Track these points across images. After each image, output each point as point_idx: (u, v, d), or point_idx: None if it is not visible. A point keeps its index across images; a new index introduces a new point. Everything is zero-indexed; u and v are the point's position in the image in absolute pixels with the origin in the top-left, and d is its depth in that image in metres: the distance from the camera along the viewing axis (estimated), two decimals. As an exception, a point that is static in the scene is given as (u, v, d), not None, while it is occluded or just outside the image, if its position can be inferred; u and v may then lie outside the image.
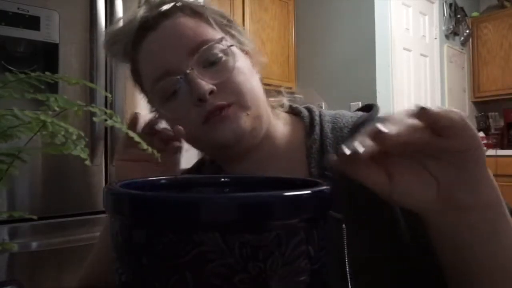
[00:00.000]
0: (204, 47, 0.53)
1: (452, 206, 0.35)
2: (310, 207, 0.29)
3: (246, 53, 0.60)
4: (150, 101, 0.62)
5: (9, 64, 1.21)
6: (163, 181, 0.41)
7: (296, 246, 0.28)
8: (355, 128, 0.56)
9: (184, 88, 0.53)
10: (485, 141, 3.59)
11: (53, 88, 1.20)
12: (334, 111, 0.63)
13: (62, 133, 0.36)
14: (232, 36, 0.59)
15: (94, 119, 0.40)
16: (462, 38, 3.81)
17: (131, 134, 0.39)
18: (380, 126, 0.31)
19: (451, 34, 3.65)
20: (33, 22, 1.22)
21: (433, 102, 3.37)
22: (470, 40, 3.91)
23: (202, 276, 0.26)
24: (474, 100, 3.98)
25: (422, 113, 0.32)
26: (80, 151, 0.36)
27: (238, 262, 0.26)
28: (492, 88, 3.82)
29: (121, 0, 1.36)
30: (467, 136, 0.33)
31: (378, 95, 2.70)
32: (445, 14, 3.56)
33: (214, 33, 0.56)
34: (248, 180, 0.44)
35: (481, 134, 3.78)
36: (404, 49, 3.02)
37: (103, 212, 1.30)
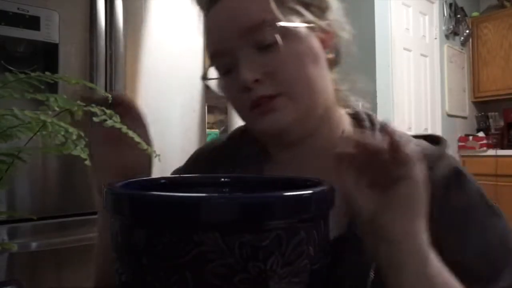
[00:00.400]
0: (262, 30, 0.48)
1: (372, 229, 0.37)
2: (310, 207, 0.29)
3: (321, 33, 0.52)
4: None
5: (9, 64, 1.21)
6: (163, 181, 0.41)
7: (296, 246, 0.28)
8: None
9: (234, 71, 0.50)
10: (485, 141, 3.59)
11: (53, 88, 1.20)
12: (398, 130, 0.58)
13: (62, 133, 0.36)
14: (311, 12, 0.51)
15: (94, 119, 0.40)
16: (462, 38, 3.81)
17: (132, 134, 0.39)
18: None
19: (451, 34, 3.65)
20: (33, 22, 1.22)
21: (433, 102, 3.37)
22: (470, 40, 3.91)
23: (202, 276, 0.26)
24: (474, 100, 3.98)
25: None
26: (80, 151, 0.36)
27: (238, 262, 0.26)
28: (492, 88, 3.82)
29: (121, 0, 1.36)
30: (411, 170, 0.35)
31: (378, 95, 2.70)
32: (445, 14, 3.56)
33: (277, 12, 0.49)
34: (248, 180, 0.44)
35: (481, 134, 3.78)
36: (404, 49, 3.02)
37: (103, 212, 1.30)
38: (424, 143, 0.54)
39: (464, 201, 0.48)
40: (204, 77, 0.56)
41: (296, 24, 0.49)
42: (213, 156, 0.63)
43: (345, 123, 0.57)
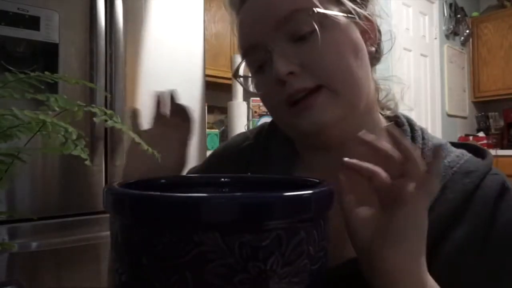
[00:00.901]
0: (295, 20, 0.45)
1: (370, 256, 0.36)
2: (310, 207, 0.29)
3: (361, 24, 0.48)
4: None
5: (9, 64, 1.21)
6: (163, 181, 0.41)
7: (296, 246, 0.28)
8: (462, 174, 0.47)
9: (269, 66, 0.47)
10: (485, 141, 3.59)
11: (53, 88, 1.20)
12: (436, 138, 0.54)
13: (62, 133, 0.36)
14: (351, 0, 0.48)
15: (94, 119, 0.40)
16: (462, 38, 3.81)
17: (132, 135, 0.39)
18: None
19: (451, 34, 3.65)
20: (33, 22, 1.22)
21: (433, 102, 3.37)
22: (470, 40, 3.92)
23: (202, 276, 0.26)
24: (474, 100, 3.98)
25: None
26: (80, 151, 0.36)
27: (238, 262, 0.26)
28: (492, 88, 3.82)
29: (121, 0, 1.36)
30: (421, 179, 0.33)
31: (378, 95, 2.70)
32: (445, 14, 3.56)
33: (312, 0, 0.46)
34: (248, 180, 0.44)
35: (481, 134, 3.78)
36: (404, 49, 3.02)
37: (103, 212, 1.30)
38: (465, 153, 0.50)
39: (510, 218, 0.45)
40: (236, 75, 0.53)
41: (334, 12, 0.46)
42: (243, 157, 0.60)
43: (381, 131, 0.52)
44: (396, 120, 0.54)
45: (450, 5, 3.62)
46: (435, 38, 3.43)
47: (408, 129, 0.53)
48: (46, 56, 1.28)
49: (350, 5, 0.47)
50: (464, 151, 0.51)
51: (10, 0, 1.19)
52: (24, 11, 1.21)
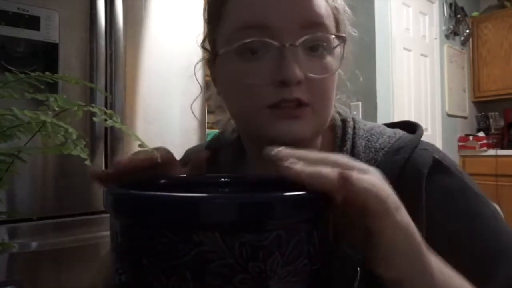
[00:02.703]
0: (317, 32, 0.45)
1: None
2: (310, 207, 0.29)
3: (343, 44, 0.49)
4: (219, 45, 0.50)
5: (9, 64, 1.21)
6: (163, 181, 0.41)
7: (296, 246, 0.28)
8: (393, 153, 0.48)
9: (271, 57, 0.44)
10: (485, 141, 3.59)
11: (53, 88, 1.20)
12: (371, 124, 0.55)
13: (62, 133, 0.36)
14: (343, 25, 0.50)
15: (94, 119, 0.40)
16: (462, 38, 3.81)
17: (132, 135, 0.39)
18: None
19: (451, 34, 3.65)
20: (33, 22, 1.22)
21: (433, 102, 3.37)
22: (470, 40, 3.92)
23: (202, 276, 0.26)
24: (474, 100, 3.98)
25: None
26: (80, 151, 0.36)
27: (238, 262, 0.26)
28: (492, 88, 3.83)
29: (121, 0, 1.36)
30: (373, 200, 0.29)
31: (378, 95, 2.70)
32: (445, 14, 3.56)
33: (330, 18, 0.47)
34: (249, 180, 0.44)
35: (481, 134, 3.78)
36: (404, 49, 3.02)
37: (103, 212, 1.30)
38: (398, 132, 0.52)
39: (447, 188, 0.47)
40: (203, 46, 0.50)
41: (336, 38, 0.47)
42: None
43: (324, 133, 0.54)
44: (333, 125, 0.55)
45: (450, 5, 3.62)
46: (435, 38, 3.43)
47: (339, 123, 0.54)
48: (46, 56, 1.28)
49: (343, 32, 0.50)
50: (398, 130, 0.52)
51: (10, 0, 1.19)
52: (24, 11, 1.21)
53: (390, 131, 0.53)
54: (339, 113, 0.56)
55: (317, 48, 0.46)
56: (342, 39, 0.47)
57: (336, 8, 0.48)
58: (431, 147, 0.51)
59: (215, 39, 0.51)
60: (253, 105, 0.46)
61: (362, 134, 0.52)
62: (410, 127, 0.54)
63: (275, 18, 0.44)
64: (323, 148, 0.53)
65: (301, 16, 0.44)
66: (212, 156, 0.56)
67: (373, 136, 0.52)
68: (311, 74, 0.45)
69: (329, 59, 0.47)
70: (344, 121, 0.55)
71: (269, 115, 0.45)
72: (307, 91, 0.45)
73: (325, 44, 0.46)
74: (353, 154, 0.50)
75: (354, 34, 0.54)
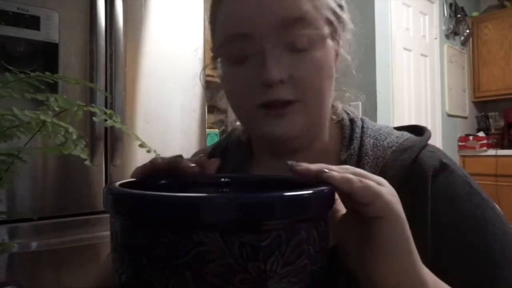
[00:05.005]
0: (296, 28, 0.45)
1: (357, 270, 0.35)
2: (310, 207, 0.29)
3: (337, 40, 0.50)
4: (214, 52, 0.53)
5: (9, 64, 1.21)
6: (163, 181, 0.41)
7: (296, 246, 0.28)
8: (400, 152, 0.49)
9: (256, 61, 0.46)
10: (485, 141, 3.59)
11: (53, 88, 1.20)
12: (379, 125, 0.56)
13: (62, 133, 0.36)
14: (338, 23, 0.50)
15: (94, 119, 0.40)
16: (462, 38, 3.81)
17: (132, 134, 0.39)
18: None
19: (451, 34, 3.65)
20: (33, 22, 1.22)
21: (433, 102, 3.37)
22: (470, 40, 3.91)
23: (202, 276, 0.26)
24: (474, 100, 3.98)
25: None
26: (80, 151, 0.36)
27: (238, 262, 0.26)
28: (492, 88, 3.82)
29: (121, 0, 1.36)
30: (380, 203, 0.32)
31: (378, 95, 2.70)
32: (445, 14, 3.56)
33: (315, 11, 0.46)
34: (248, 180, 0.44)
35: (482, 134, 3.78)
36: (404, 49, 3.02)
37: (103, 212, 1.30)
38: (405, 134, 0.53)
39: (452, 190, 0.47)
40: (214, 62, 0.52)
41: (324, 31, 0.47)
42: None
43: (331, 132, 0.55)
44: (341, 124, 0.56)
45: (450, 5, 3.62)
46: (435, 38, 3.43)
47: (348, 123, 0.55)
48: (46, 56, 1.28)
49: (337, 27, 0.50)
50: (405, 132, 0.53)
51: (10, 0, 1.19)
52: (24, 10, 1.21)
53: (398, 132, 0.53)
54: (347, 113, 0.57)
55: (299, 47, 0.46)
56: (320, 40, 0.47)
57: (320, 4, 0.47)
58: (438, 150, 0.51)
59: (214, 42, 0.53)
60: (246, 105, 0.49)
61: (370, 133, 0.53)
62: (417, 130, 0.54)
63: (253, 25, 0.45)
64: (331, 147, 0.54)
65: (278, 17, 0.45)
66: (221, 158, 0.57)
67: (381, 135, 0.52)
68: (294, 72, 0.45)
69: (317, 54, 0.46)
70: (352, 121, 0.55)
71: (260, 113, 0.47)
72: (294, 88, 0.46)
73: (305, 41, 0.46)
74: (361, 152, 0.51)
75: (354, 28, 0.54)
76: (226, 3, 0.48)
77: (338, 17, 0.50)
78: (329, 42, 0.48)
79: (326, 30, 0.48)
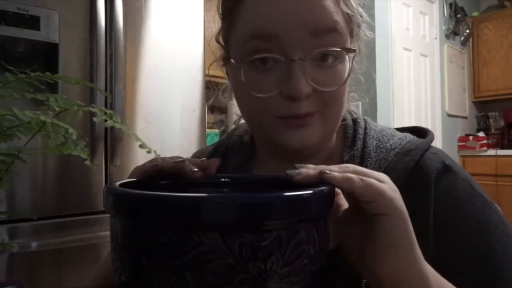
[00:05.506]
0: (328, 40, 0.43)
1: (359, 266, 0.35)
2: (310, 207, 0.29)
3: (355, 49, 0.49)
4: (232, 52, 0.50)
5: (9, 64, 1.21)
6: (163, 181, 0.41)
7: (296, 246, 0.28)
8: (403, 154, 0.49)
9: (280, 70, 0.44)
10: (485, 141, 3.59)
11: (53, 88, 1.20)
12: (382, 126, 0.55)
13: (62, 133, 0.36)
14: (358, 32, 0.50)
15: (94, 119, 0.40)
16: (462, 38, 3.81)
17: (132, 135, 0.39)
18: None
19: (451, 34, 3.65)
20: (33, 22, 1.22)
21: (433, 102, 3.37)
22: (470, 40, 3.91)
23: (202, 276, 0.26)
24: (474, 100, 3.98)
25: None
26: (80, 151, 0.36)
27: (238, 262, 0.26)
28: (493, 88, 3.82)
29: (121, 0, 1.36)
30: (382, 200, 0.32)
31: (378, 95, 2.70)
32: (445, 14, 3.56)
33: (344, 23, 0.45)
34: (248, 180, 0.44)
35: (481, 134, 3.78)
36: (404, 49, 3.02)
37: (103, 212, 1.30)
38: (408, 135, 0.53)
39: (455, 193, 0.47)
40: (218, 41, 0.50)
41: (349, 43, 0.47)
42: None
43: (337, 135, 0.55)
44: (345, 126, 0.56)
45: (450, 5, 3.62)
46: (435, 38, 3.43)
47: (350, 123, 0.55)
48: (46, 56, 1.28)
49: (357, 38, 0.49)
50: (408, 134, 0.53)
51: (10, 0, 1.19)
52: (24, 11, 1.21)
53: (400, 134, 0.53)
54: (350, 113, 0.57)
55: (327, 57, 0.45)
56: (352, 51, 0.46)
57: (348, 14, 0.46)
58: (441, 152, 0.51)
59: (229, 40, 0.51)
60: (263, 115, 0.47)
61: (373, 135, 0.53)
62: (419, 132, 0.54)
63: (285, 28, 0.43)
64: (334, 148, 0.54)
65: (311, 25, 0.43)
66: (222, 158, 0.58)
67: (384, 137, 0.52)
68: (319, 87, 0.44)
69: (339, 67, 0.46)
70: (355, 121, 0.55)
71: (279, 124, 0.46)
72: (316, 100, 0.45)
73: (334, 56, 0.45)
74: (364, 153, 0.51)
75: (370, 36, 0.54)
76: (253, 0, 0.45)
77: (360, 27, 0.50)
78: (352, 55, 0.47)
79: (349, 42, 0.47)
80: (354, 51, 0.46)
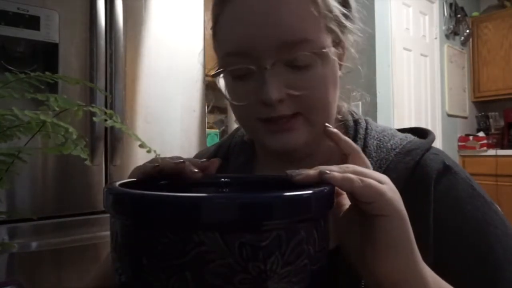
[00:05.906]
0: (298, 49, 0.44)
1: (359, 266, 0.35)
2: (310, 207, 0.29)
3: (343, 50, 0.50)
4: (216, 65, 0.52)
5: (9, 64, 1.21)
6: (163, 181, 0.41)
7: (296, 246, 0.28)
8: (404, 154, 0.49)
9: (255, 79, 0.46)
10: (485, 141, 3.59)
11: (53, 88, 1.20)
12: (382, 126, 0.56)
13: (62, 133, 0.36)
14: (341, 28, 0.49)
15: (94, 119, 0.40)
16: (462, 38, 3.81)
17: (132, 134, 0.39)
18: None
19: (451, 34, 3.65)
20: (33, 22, 1.22)
21: (433, 102, 3.37)
22: (470, 40, 3.91)
23: (202, 276, 0.26)
24: (474, 100, 3.98)
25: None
26: (80, 151, 0.36)
27: (238, 262, 0.26)
28: (493, 88, 3.82)
29: (121, 0, 1.36)
30: (382, 201, 0.32)
31: (378, 95, 2.70)
32: (445, 14, 3.56)
33: (318, 29, 0.45)
34: (248, 180, 0.44)
35: (482, 134, 3.78)
36: (404, 49, 3.02)
37: (103, 212, 1.30)
38: (409, 136, 0.53)
39: (455, 193, 0.47)
40: (215, 75, 0.51)
41: (331, 48, 0.46)
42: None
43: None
44: (345, 125, 0.56)
45: (450, 5, 3.62)
46: (435, 38, 3.43)
47: (352, 124, 0.55)
48: (46, 56, 1.28)
49: (340, 34, 0.48)
50: (408, 135, 0.53)
51: (10, 0, 1.19)
52: (24, 11, 1.21)
53: (401, 134, 0.53)
54: (351, 114, 0.57)
55: (300, 66, 0.45)
56: (323, 55, 0.45)
57: (321, 14, 0.46)
58: (441, 153, 0.51)
59: (216, 49, 0.53)
60: (248, 119, 0.50)
61: (374, 135, 0.53)
62: (420, 133, 0.55)
63: (253, 44, 0.44)
64: (335, 148, 0.53)
65: (278, 38, 0.44)
66: (224, 159, 0.59)
67: (385, 137, 0.52)
68: (294, 91, 0.45)
69: (318, 69, 0.45)
70: (356, 121, 0.56)
71: (263, 127, 0.48)
72: (294, 104, 0.46)
73: (306, 59, 0.45)
74: (364, 153, 0.49)
75: (364, 28, 0.53)
76: (225, 19, 0.47)
77: (340, 24, 0.49)
78: (332, 50, 0.47)
79: (329, 41, 0.47)
80: (324, 53, 0.45)
